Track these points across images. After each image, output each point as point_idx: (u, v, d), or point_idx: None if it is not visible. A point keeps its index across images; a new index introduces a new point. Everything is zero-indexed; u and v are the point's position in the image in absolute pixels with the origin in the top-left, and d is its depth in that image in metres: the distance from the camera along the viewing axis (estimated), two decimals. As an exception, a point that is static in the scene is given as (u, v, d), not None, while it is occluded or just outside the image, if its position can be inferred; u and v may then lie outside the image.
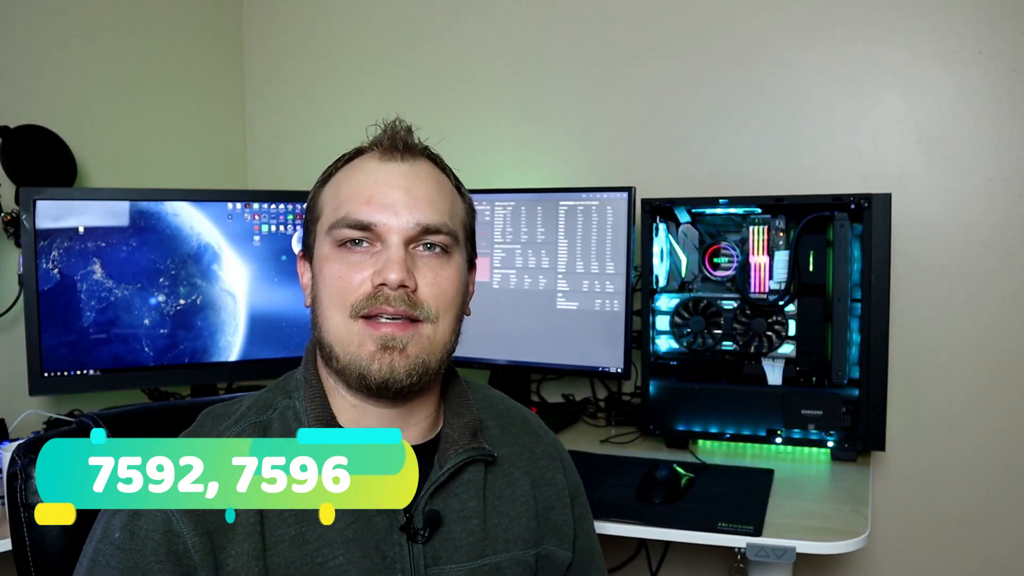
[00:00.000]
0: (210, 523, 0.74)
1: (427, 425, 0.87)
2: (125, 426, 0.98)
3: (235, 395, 0.90)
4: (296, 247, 1.73)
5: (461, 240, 0.85)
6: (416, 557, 0.80)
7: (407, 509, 0.80)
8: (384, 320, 0.78)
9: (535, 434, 0.96)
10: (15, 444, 1.03)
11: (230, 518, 0.73)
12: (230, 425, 0.81)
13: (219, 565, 0.74)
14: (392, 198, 0.80)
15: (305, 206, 0.89)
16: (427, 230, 0.80)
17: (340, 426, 0.82)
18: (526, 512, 0.89)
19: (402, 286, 0.78)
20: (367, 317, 0.78)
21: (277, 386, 0.86)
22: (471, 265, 0.89)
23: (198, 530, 0.73)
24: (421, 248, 0.81)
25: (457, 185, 0.88)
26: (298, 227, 1.72)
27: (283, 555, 0.76)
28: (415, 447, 0.78)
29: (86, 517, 0.87)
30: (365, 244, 0.80)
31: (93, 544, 0.75)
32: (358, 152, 0.86)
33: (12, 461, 0.91)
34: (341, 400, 0.83)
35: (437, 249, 0.82)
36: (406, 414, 0.84)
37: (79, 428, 0.94)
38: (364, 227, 0.80)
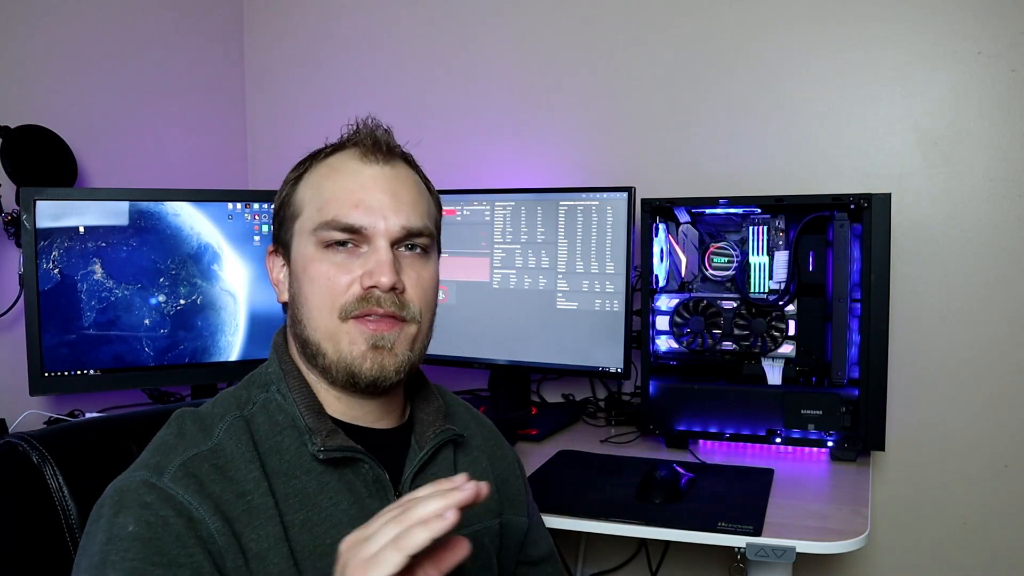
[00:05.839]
0: (227, 510, 0.74)
1: (400, 411, 0.91)
2: (61, 445, 0.92)
3: (202, 400, 0.90)
4: None
5: (436, 239, 0.89)
6: None
7: (396, 490, 0.83)
8: (373, 319, 0.81)
9: (477, 417, 1.03)
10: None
11: None
12: (215, 424, 0.80)
13: (243, 550, 0.73)
14: (379, 201, 0.83)
15: (276, 202, 0.90)
16: (411, 233, 0.84)
17: (329, 415, 0.84)
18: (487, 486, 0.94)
19: (392, 288, 0.81)
20: (356, 317, 0.81)
21: (248, 382, 0.87)
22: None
23: (218, 515, 0.73)
24: (404, 249, 0.85)
25: (427, 184, 0.91)
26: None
27: (298, 539, 0.77)
28: (392, 430, 0.88)
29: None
30: (350, 245, 0.83)
31: (97, 548, 0.70)
32: (333, 149, 0.88)
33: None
34: (325, 392, 0.85)
35: (418, 250, 0.86)
36: (386, 403, 0.88)
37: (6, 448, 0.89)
38: (352, 230, 0.82)
